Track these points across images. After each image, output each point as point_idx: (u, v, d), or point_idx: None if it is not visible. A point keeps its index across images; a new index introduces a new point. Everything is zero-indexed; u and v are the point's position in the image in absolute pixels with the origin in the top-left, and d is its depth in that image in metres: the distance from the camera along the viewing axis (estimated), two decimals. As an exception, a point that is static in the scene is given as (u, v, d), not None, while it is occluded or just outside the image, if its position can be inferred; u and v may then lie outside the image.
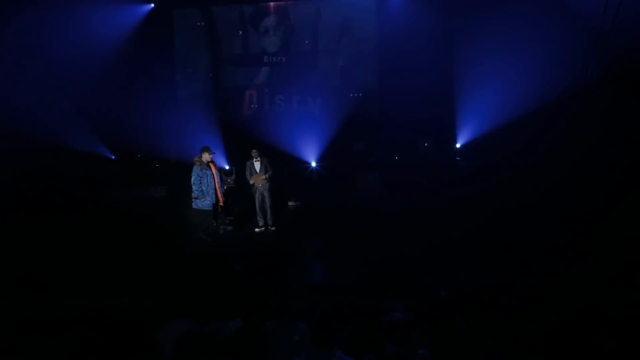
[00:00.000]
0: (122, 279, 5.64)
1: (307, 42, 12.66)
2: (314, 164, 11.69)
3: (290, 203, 11.05)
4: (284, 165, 10.78)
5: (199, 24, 13.02)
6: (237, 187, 10.06)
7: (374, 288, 5.13)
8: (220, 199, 8.04)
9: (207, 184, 7.69)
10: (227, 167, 10.85)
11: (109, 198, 10.72)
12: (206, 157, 7.80)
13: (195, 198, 7.68)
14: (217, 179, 7.97)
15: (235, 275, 5.67)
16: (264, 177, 8.61)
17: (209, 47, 13.12)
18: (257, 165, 8.67)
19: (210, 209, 7.80)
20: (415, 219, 8.77)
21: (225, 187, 9.66)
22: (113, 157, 12.52)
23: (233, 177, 10.58)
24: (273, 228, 8.82)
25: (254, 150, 8.69)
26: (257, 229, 8.75)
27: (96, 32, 11.22)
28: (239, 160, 9.65)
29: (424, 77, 10.56)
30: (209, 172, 7.74)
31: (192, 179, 7.64)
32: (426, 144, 11.37)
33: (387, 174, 10.75)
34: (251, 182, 8.64)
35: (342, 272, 6.26)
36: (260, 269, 6.11)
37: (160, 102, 11.99)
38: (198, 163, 7.65)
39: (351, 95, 12.58)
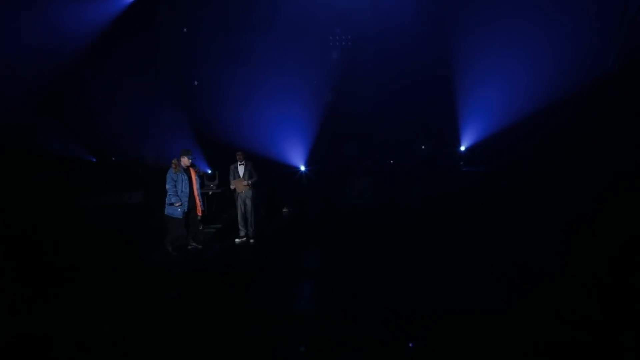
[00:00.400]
0: (53, 299, 4.97)
1: (298, 36, 11.76)
2: (303, 168, 10.91)
3: (284, 210, 10.41)
4: (274, 170, 10.03)
5: (182, 18, 12.19)
6: (223, 192, 9.36)
7: (338, 320, 4.40)
8: (199, 209, 7.26)
9: (181, 189, 6.92)
10: (209, 171, 10.10)
11: (80, 205, 9.88)
12: (185, 161, 7.04)
13: (170, 204, 6.90)
14: (196, 186, 7.18)
15: (172, 302, 4.81)
16: (245, 183, 7.83)
17: (193, 44, 12.27)
18: (242, 170, 7.91)
19: (181, 217, 7.00)
20: (411, 233, 7.92)
21: (209, 193, 9.01)
22: (94, 160, 11.75)
23: (216, 182, 9.84)
24: (252, 241, 8.00)
25: (239, 153, 7.93)
26: (237, 240, 7.98)
27: (70, 25, 10.39)
28: (222, 163, 8.91)
29: (424, 74, 9.71)
30: (185, 177, 6.97)
31: (167, 183, 6.89)
32: (423, 147, 10.50)
33: (381, 180, 9.95)
34: (232, 187, 7.92)
35: (308, 299, 5.35)
36: (207, 295, 5.18)
37: (140, 101, 11.17)
38: (173, 166, 6.93)
39: (344, 94, 11.64)
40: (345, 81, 11.18)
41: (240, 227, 8.05)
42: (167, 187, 6.86)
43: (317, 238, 8.11)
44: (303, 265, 6.48)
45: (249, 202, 7.96)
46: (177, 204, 6.86)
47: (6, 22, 9.54)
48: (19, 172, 9.72)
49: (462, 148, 10.35)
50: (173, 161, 6.95)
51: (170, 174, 6.89)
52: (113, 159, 11.26)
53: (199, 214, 7.35)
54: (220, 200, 10.22)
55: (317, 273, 6.14)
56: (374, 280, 5.59)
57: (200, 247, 7.40)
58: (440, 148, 10.73)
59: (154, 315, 4.33)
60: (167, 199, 6.88)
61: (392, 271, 5.89)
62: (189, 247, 7.32)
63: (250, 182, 7.86)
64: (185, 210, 6.97)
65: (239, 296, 5.15)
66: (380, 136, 10.78)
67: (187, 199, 6.97)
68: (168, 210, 6.91)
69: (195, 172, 7.23)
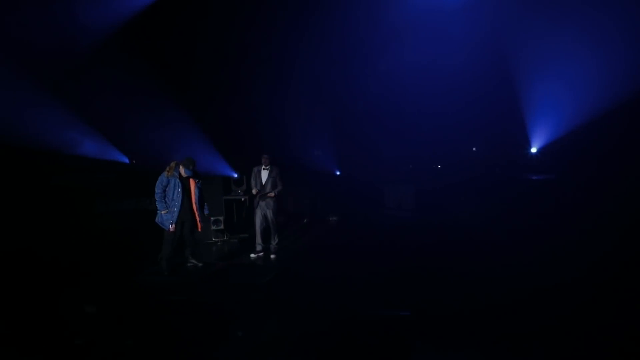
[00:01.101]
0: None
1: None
2: (338, 173, 9.69)
3: (330, 218, 9.62)
4: (313, 176, 8.96)
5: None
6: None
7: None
8: (198, 224, 6.30)
9: (171, 197, 5.99)
10: (236, 175, 9.21)
11: (98, 210, 9.24)
12: (181, 171, 6.11)
13: (159, 211, 6.00)
14: (194, 198, 6.20)
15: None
16: (270, 193, 6.92)
17: (221, 45, 11.10)
18: (265, 175, 6.98)
19: (167, 228, 6.03)
20: (455, 260, 6.26)
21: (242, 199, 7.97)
22: (127, 162, 11.23)
23: (244, 187, 8.96)
24: (273, 256, 7.02)
25: (265, 157, 7.02)
26: (253, 255, 7.07)
27: (99, 20, 9.74)
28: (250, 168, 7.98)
29: (479, 61, 7.95)
30: (178, 183, 6.01)
31: (156, 187, 5.97)
32: (474, 149, 8.74)
33: (424, 188, 8.36)
34: (254, 191, 7.00)
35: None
36: (161, 338, 3.97)
37: (167, 103, 10.42)
38: (167, 168, 6.03)
39: (381, 89, 9.83)
40: (383, 73, 9.52)
41: (257, 240, 7.15)
42: (156, 191, 5.94)
43: (341, 261, 6.78)
44: (309, 301, 4.98)
45: (270, 214, 7.03)
46: (163, 211, 5.93)
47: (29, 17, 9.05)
48: (38, 174, 9.27)
49: (533, 150, 8.14)
50: (170, 164, 6.06)
51: (161, 177, 5.98)
52: (133, 161, 10.59)
53: (199, 229, 6.38)
54: (250, 207, 9.34)
55: (322, 316, 4.59)
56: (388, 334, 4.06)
57: (200, 264, 6.43)
58: (502, 150, 8.82)
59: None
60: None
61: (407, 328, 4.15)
62: (188, 264, 6.40)
63: (275, 192, 6.95)
64: (174, 222, 5.97)
65: (204, 343, 3.93)
66: (425, 135, 9.10)
67: (177, 208, 5.98)
68: (157, 219, 6.01)
69: (196, 182, 6.23)
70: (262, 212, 7.01)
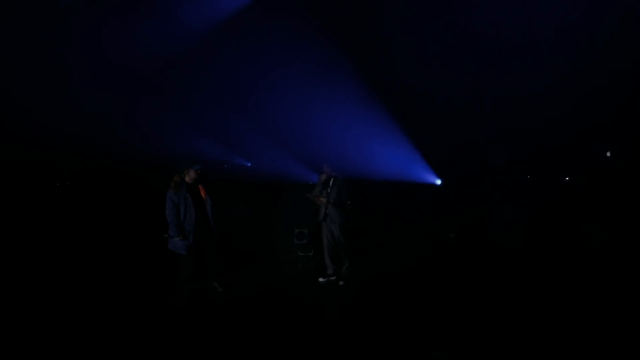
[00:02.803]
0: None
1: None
2: (438, 182, 8.16)
3: (450, 235, 8.54)
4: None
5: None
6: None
7: None
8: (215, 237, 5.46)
9: (183, 217, 5.12)
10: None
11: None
12: (191, 175, 5.22)
13: (171, 237, 5.16)
14: (208, 207, 5.36)
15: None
16: (322, 198, 6.08)
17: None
18: (329, 185, 6.16)
19: (185, 252, 5.18)
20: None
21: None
22: (249, 164, 11.45)
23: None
24: (342, 282, 6.00)
25: (325, 165, 6.20)
26: (321, 279, 6.19)
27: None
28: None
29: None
30: (189, 198, 5.16)
31: (166, 208, 5.13)
32: (609, 154, 6.27)
33: (541, 208, 6.23)
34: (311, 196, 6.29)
35: None
36: None
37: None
38: (173, 184, 5.13)
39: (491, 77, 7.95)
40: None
41: (326, 262, 6.28)
42: (167, 213, 5.08)
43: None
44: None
45: (336, 230, 6.12)
46: (177, 237, 5.07)
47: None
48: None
49: None
50: (176, 177, 5.17)
51: (170, 195, 5.08)
52: (225, 165, 10.46)
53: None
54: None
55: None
56: None
57: (220, 289, 5.48)
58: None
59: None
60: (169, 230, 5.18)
61: None
62: (209, 285, 5.56)
63: (331, 199, 6.02)
64: (191, 244, 5.15)
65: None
66: (545, 137, 6.85)
67: (192, 228, 5.12)
68: (170, 244, 5.20)
69: (205, 190, 5.36)
70: (328, 228, 6.15)
